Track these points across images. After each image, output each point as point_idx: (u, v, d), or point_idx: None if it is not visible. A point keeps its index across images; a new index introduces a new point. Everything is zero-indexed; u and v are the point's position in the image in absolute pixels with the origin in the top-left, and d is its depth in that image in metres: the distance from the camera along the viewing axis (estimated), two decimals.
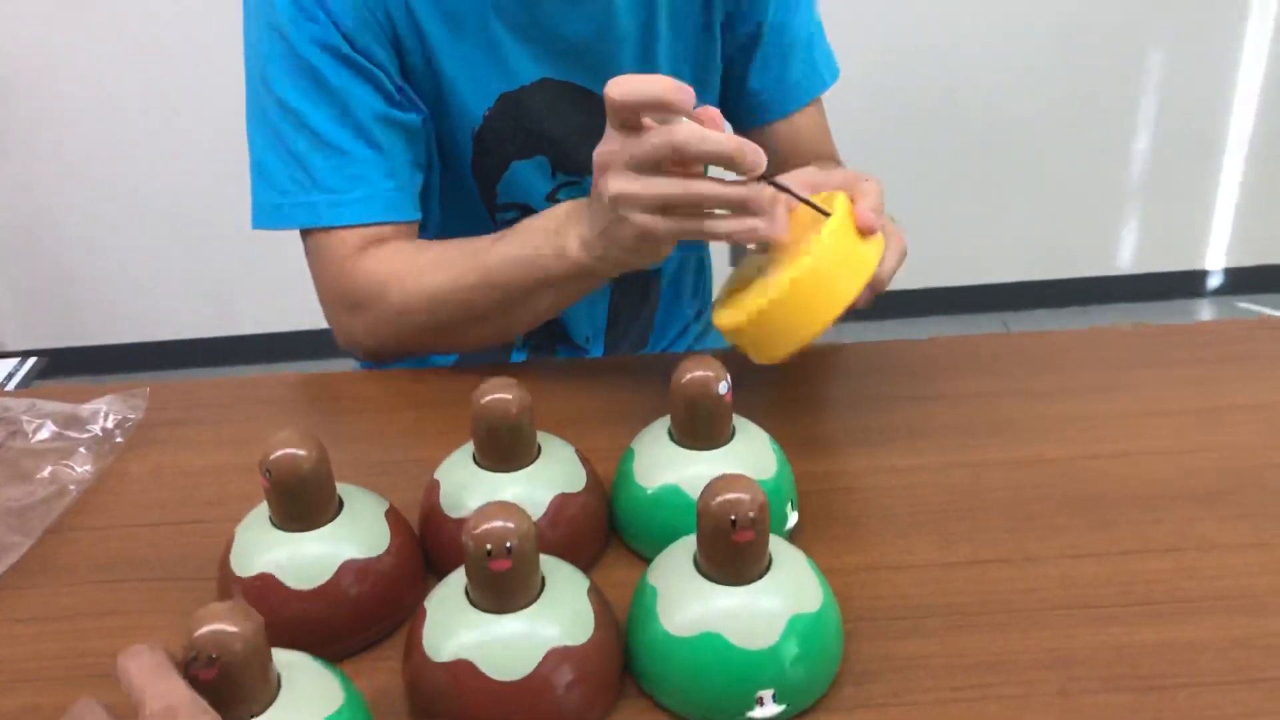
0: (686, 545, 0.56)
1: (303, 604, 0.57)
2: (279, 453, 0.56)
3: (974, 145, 2.36)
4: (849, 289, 0.66)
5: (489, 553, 0.50)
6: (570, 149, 0.92)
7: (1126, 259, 2.54)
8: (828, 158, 1.01)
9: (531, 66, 0.89)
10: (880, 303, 0.75)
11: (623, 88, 0.65)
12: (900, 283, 0.76)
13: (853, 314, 0.68)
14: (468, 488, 0.62)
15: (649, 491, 0.63)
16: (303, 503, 0.57)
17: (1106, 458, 0.71)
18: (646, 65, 0.92)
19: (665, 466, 0.63)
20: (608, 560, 0.65)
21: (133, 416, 0.78)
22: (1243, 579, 0.61)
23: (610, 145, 0.68)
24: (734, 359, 0.67)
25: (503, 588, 0.51)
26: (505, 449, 0.62)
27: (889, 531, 0.66)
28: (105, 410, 0.78)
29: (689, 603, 0.53)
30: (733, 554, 0.52)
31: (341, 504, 0.60)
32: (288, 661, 0.50)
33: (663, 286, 1.08)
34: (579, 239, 0.74)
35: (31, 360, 1.08)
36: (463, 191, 0.94)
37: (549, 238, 0.76)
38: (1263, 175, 2.45)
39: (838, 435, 0.76)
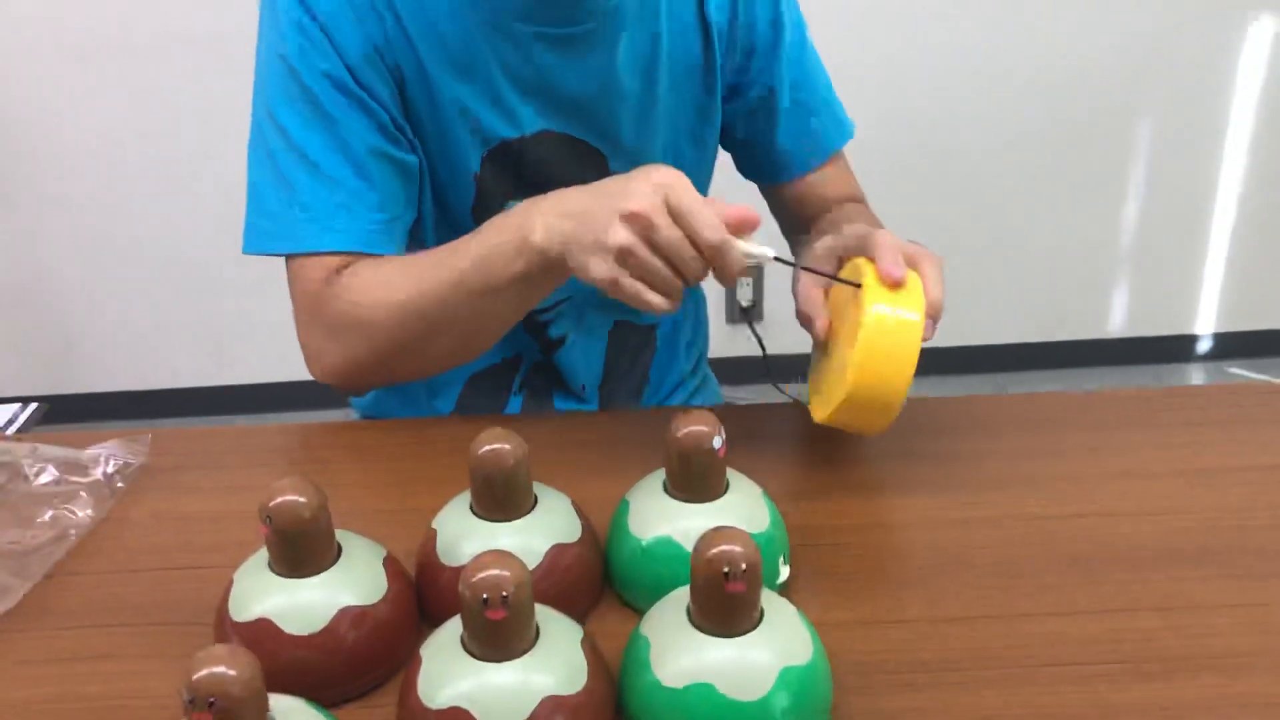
0: (679, 597, 0.56)
1: (300, 650, 0.57)
2: (280, 500, 0.57)
3: (967, 211, 2.40)
4: (910, 344, 0.70)
5: (485, 601, 0.51)
6: None
7: (1117, 323, 2.57)
8: (858, 199, 1.05)
9: (533, 118, 0.91)
10: None
11: (719, 231, 0.70)
12: None
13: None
14: (465, 537, 0.63)
15: (643, 543, 0.64)
16: (302, 549, 0.58)
17: (1094, 517, 0.72)
18: (645, 123, 0.95)
19: (660, 519, 0.64)
20: (601, 611, 0.66)
21: (134, 462, 0.79)
22: (1229, 639, 0.61)
23: (652, 202, 0.71)
24: (728, 414, 0.69)
25: (498, 636, 0.52)
26: (502, 499, 0.62)
27: (879, 587, 0.67)
28: (107, 456, 0.79)
29: (681, 653, 0.54)
30: (725, 606, 0.53)
31: (340, 551, 0.60)
32: (284, 707, 0.50)
33: (659, 339, 1.10)
34: (544, 226, 0.76)
35: (33, 406, 1.09)
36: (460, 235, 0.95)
37: (514, 227, 0.78)
38: (1250, 243, 2.49)
39: (830, 491, 0.77)
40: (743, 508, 0.64)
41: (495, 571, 0.51)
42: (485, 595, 0.50)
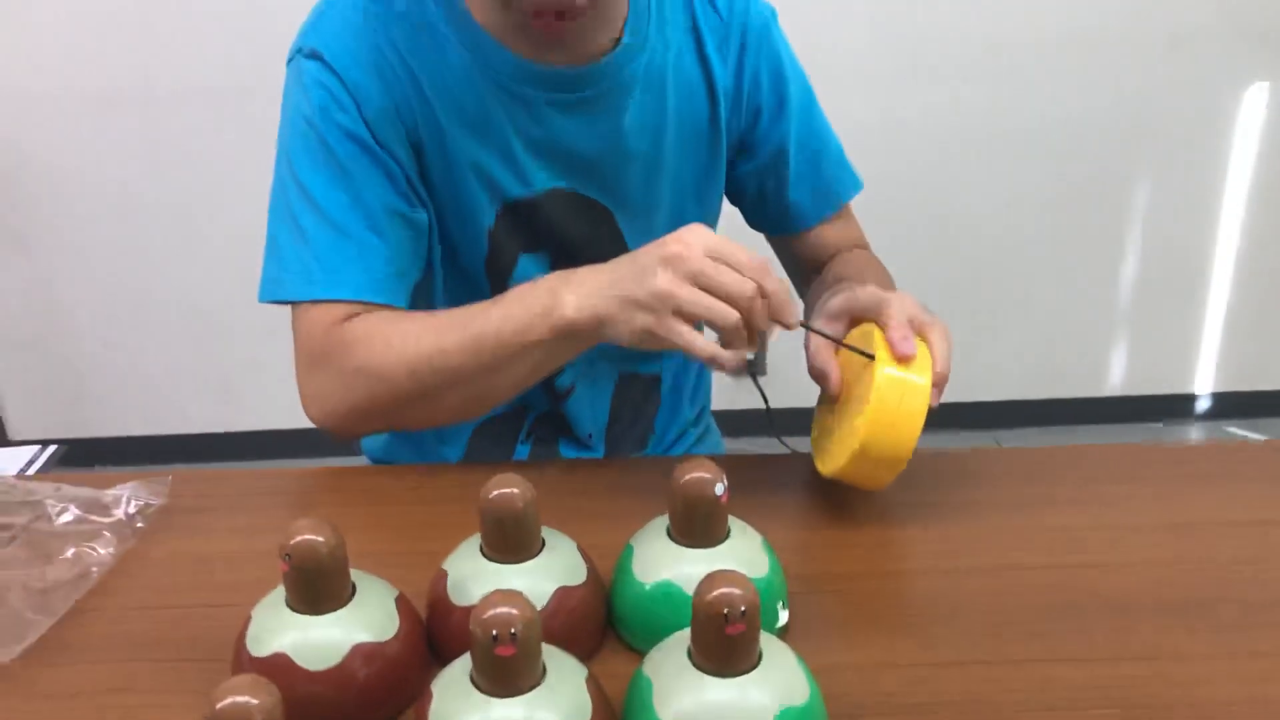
0: (681, 639, 0.59)
1: (315, 684, 0.59)
2: (299, 538, 0.59)
3: (968, 269, 2.44)
4: (918, 409, 0.75)
5: (495, 638, 0.53)
6: (575, 251, 0.97)
7: (1116, 381, 2.59)
8: (863, 246, 1.10)
9: (544, 177, 0.95)
10: None
11: (758, 258, 0.76)
12: None
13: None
14: (474, 578, 0.65)
15: (646, 587, 0.66)
16: (319, 587, 0.61)
17: (1084, 567, 0.74)
18: (652, 181, 0.99)
19: (662, 563, 0.66)
20: (604, 653, 0.68)
21: (154, 502, 0.82)
22: (1213, 687, 0.63)
23: (687, 243, 0.75)
24: (730, 464, 0.71)
25: (506, 673, 0.54)
26: (511, 541, 0.65)
27: (875, 632, 0.69)
28: (128, 496, 0.81)
29: (682, 693, 0.56)
30: (725, 646, 0.55)
31: (354, 589, 0.63)
32: None
33: (664, 389, 1.12)
34: (577, 299, 0.79)
35: (52, 448, 1.12)
36: (475, 291, 0.98)
37: (540, 296, 0.81)
38: (1248, 304, 2.52)
39: (828, 540, 0.79)
40: (743, 553, 0.66)
41: (505, 609, 0.53)
42: (495, 632, 0.53)
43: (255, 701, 0.48)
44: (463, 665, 0.56)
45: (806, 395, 0.87)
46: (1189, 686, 0.63)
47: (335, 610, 0.61)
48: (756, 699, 0.55)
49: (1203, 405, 2.62)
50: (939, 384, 0.77)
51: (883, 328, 0.78)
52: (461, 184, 0.93)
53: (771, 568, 0.67)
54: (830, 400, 0.84)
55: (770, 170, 1.04)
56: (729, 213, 1.10)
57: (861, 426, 0.75)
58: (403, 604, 0.65)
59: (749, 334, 0.76)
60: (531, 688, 0.55)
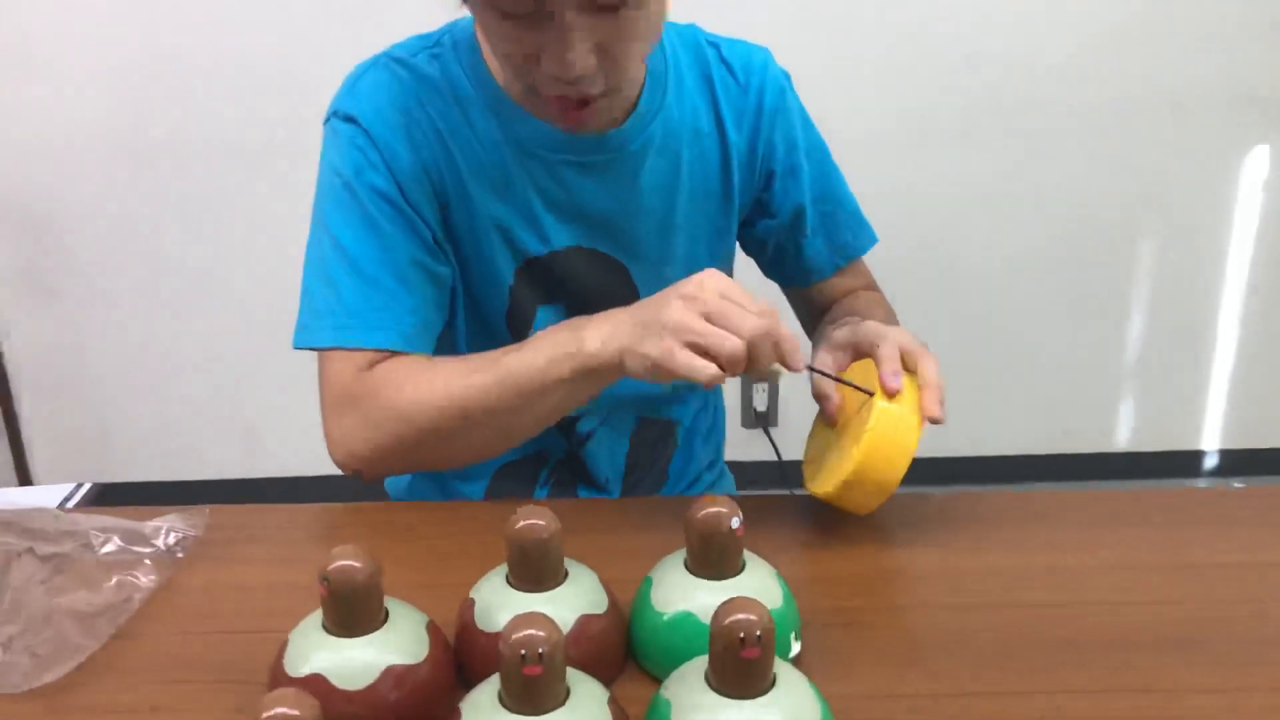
0: (699, 664, 0.62)
1: (349, 704, 0.62)
2: (338, 564, 0.63)
3: (976, 327, 2.48)
4: (908, 440, 0.81)
5: (523, 658, 0.56)
6: (591, 303, 1.00)
7: (1123, 438, 2.61)
8: (873, 289, 1.16)
9: (563, 234, 0.99)
10: None
11: (766, 303, 0.82)
12: None
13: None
14: (500, 605, 0.68)
15: (665, 617, 0.69)
16: (354, 611, 0.64)
17: (1086, 605, 0.77)
18: (665, 237, 1.03)
19: (681, 594, 0.69)
20: (623, 680, 0.70)
21: (192, 534, 0.85)
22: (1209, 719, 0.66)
23: (701, 284, 0.81)
24: (744, 504, 0.74)
25: (533, 692, 0.57)
26: (536, 570, 0.68)
27: (883, 664, 0.71)
28: (167, 528, 0.85)
29: (700, 714, 0.59)
30: (741, 669, 0.58)
31: (387, 615, 0.66)
32: None
33: (680, 434, 1.16)
34: (599, 333, 0.84)
35: (86, 486, 1.16)
36: (496, 341, 1.02)
37: (564, 335, 0.86)
38: (1256, 362, 2.54)
39: (839, 577, 0.82)
40: (758, 585, 0.69)
41: (532, 631, 0.56)
42: (524, 651, 0.56)
43: (299, 713, 0.52)
44: (491, 686, 0.59)
45: None
46: (1184, 718, 0.66)
47: (369, 633, 0.64)
48: None
49: (1210, 462, 2.64)
50: (937, 395, 0.84)
51: (877, 363, 0.85)
52: (484, 241, 0.98)
53: (785, 599, 0.70)
54: (828, 423, 0.91)
55: (788, 229, 1.09)
56: (742, 262, 1.14)
57: (857, 455, 0.80)
58: (433, 629, 0.68)
59: (753, 367, 0.81)
60: (556, 707, 0.58)
